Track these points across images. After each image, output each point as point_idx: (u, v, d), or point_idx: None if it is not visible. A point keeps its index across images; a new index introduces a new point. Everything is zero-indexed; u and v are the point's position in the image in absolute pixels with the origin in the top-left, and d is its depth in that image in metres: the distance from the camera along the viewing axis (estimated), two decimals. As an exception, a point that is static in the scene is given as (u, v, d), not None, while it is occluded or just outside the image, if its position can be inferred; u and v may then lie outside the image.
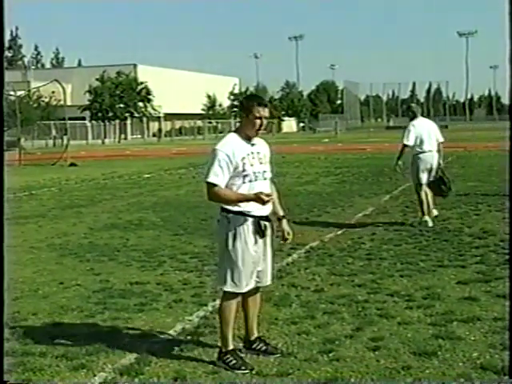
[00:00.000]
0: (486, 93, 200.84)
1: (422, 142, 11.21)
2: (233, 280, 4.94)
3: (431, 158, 11.23)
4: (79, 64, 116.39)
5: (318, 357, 5.12)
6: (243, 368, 4.95)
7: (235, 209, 4.88)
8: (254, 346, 5.29)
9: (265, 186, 4.97)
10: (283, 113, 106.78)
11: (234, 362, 5.00)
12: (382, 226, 11.11)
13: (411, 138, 11.22)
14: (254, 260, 4.96)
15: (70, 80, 74.81)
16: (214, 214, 13.77)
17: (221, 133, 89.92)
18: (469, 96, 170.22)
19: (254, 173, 4.91)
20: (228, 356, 5.03)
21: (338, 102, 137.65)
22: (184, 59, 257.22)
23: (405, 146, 11.33)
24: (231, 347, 5.10)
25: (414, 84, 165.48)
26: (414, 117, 11.61)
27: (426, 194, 11.26)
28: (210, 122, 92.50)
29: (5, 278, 3.35)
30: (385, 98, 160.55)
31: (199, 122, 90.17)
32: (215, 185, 4.81)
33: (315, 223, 11.76)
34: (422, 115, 12.06)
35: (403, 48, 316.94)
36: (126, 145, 64.12)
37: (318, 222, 11.95)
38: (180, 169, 26.33)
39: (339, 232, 10.71)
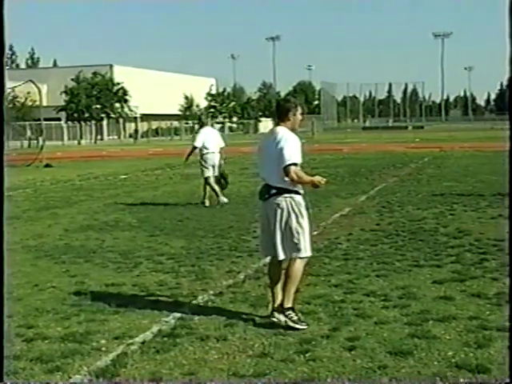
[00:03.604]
0: (462, 94, 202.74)
1: (209, 144, 14.44)
2: (306, 247, 5.90)
3: (214, 157, 14.48)
4: (55, 64, 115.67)
5: (294, 357, 5.12)
6: (302, 324, 5.76)
7: (295, 189, 5.84)
8: (287, 313, 5.86)
9: None
10: (260, 113, 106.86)
11: (296, 317, 5.80)
12: (358, 227, 11.16)
13: (199, 141, 14.45)
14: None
15: (46, 80, 74.33)
16: (190, 215, 13.76)
17: (197, 133, 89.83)
18: (444, 97, 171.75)
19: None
20: (290, 312, 5.82)
21: (316, 102, 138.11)
22: (160, 60, 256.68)
23: (194, 147, 14.54)
24: (291, 305, 5.87)
25: (390, 85, 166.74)
26: (202, 125, 15.15)
27: (213, 182, 14.37)
28: (187, 123, 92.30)
29: (4, 278, 3.32)
30: (362, 99, 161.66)
31: (176, 123, 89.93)
32: (297, 164, 5.76)
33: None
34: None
35: (379, 49, 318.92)
36: (102, 145, 63.78)
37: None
38: (157, 170, 26.24)
39: (316, 232, 10.69)
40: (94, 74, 76.60)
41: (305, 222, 5.89)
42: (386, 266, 8.17)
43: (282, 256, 5.91)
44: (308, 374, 4.79)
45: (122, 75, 79.60)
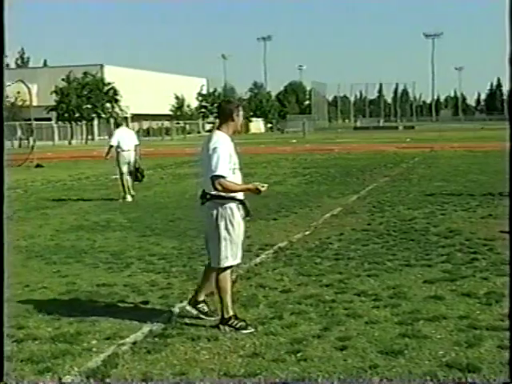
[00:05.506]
0: (452, 94, 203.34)
1: (123, 143, 16.01)
2: (232, 255, 5.86)
3: (129, 155, 16.03)
4: (45, 64, 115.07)
5: (285, 357, 5.12)
6: (249, 328, 5.79)
7: (228, 196, 5.78)
8: (199, 306, 6.15)
9: (239, 175, 5.94)
10: (251, 113, 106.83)
11: (239, 324, 5.81)
12: (349, 226, 11.17)
13: (114, 140, 16.08)
14: (242, 235, 5.96)
15: (36, 80, 74.06)
16: (181, 215, 13.73)
17: (189, 133, 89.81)
18: (435, 97, 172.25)
19: (235, 164, 5.86)
20: (232, 320, 5.84)
21: (307, 102, 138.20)
22: (151, 60, 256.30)
23: (111, 146, 16.15)
24: (232, 313, 5.88)
25: (380, 85, 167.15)
26: (118, 126, 17.09)
27: (127, 180, 15.94)
28: (178, 123, 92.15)
29: (4, 278, 3.31)
30: (352, 99, 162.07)
31: (167, 123, 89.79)
32: (224, 177, 5.66)
33: (283, 224, 11.78)
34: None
35: (370, 49, 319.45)
36: (92, 146, 63.53)
37: (286, 222, 11.97)
38: (147, 170, 26.11)
39: (307, 232, 10.74)
40: (85, 73, 76.28)
41: (234, 230, 5.83)
42: (376, 265, 8.19)
43: (214, 264, 5.96)
44: (299, 374, 4.80)
45: (113, 75, 79.35)
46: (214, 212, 5.80)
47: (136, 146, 16.25)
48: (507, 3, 3.58)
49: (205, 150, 5.85)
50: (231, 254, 5.86)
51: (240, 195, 5.90)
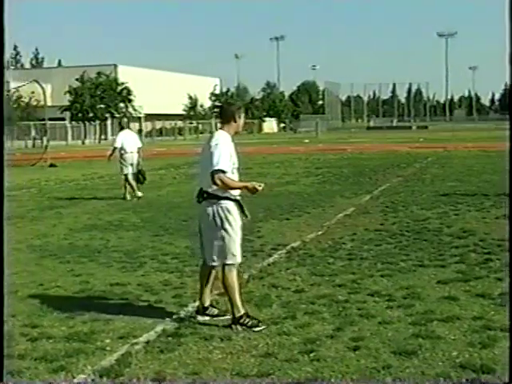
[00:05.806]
0: (466, 93, 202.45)
1: (126, 145, 16.49)
2: (233, 254, 5.90)
3: (132, 156, 16.53)
4: (59, 64, 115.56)
5: (298, 357, 5.12)
6: (261, 325, 5.80)
7: (225, 195, 5.84)
8: (207, 311, 6.17)
9: (237, 176, 5.99)
10: (264, 113, 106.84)
11: (251, 322, 5.83)
12: (362, 226, 11.14)
13: (118, 143, 16.59)
14: (240, 233, 5.99)
15: (50, 80, 74.33)
16: (194, 215, 13.70)
17: (202, 133, 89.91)
18: (449, 97, 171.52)
19: (234, 163, 5.92)
20: (244, 318, 5.85)
21: (320, 102, 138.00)
22: (164, 59, 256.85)
23: (114, 148, 16.68)
24: (243, 311, 5.89)
25: (394, 85, 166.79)
26: (122, 128, 17.50)
27: (132, 179, 16.34)
28: (191, 123, 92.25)
29: (4, 278, 3.32)
30: (366, 99, 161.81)
31: (180, 123, 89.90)
32: (224, 172, 5.72)
33: (296, 223, 11.77)
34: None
35: (384, 48, 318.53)
36: (106, 145, 63.65)
37: (299, 222, 11.96)
38: (160, 169, 26.21)
39: (320, 232, 10.72)
40: (99, 73, 76.50)
41: (232, 228, 5.88)
42: (390, 265, 8.16)
43: (210, 262, 6.00)
44: (312, 374, 4.79)
45: (126, 75, 79.52)
46: (211, 211, 5.87)
47: (139, 148, 16.71)
48: (507, 4, 3.56)
49: (206, 148, 5.94)
50: (232, 251, 5.89)
51: (236, 194, 5.96)
